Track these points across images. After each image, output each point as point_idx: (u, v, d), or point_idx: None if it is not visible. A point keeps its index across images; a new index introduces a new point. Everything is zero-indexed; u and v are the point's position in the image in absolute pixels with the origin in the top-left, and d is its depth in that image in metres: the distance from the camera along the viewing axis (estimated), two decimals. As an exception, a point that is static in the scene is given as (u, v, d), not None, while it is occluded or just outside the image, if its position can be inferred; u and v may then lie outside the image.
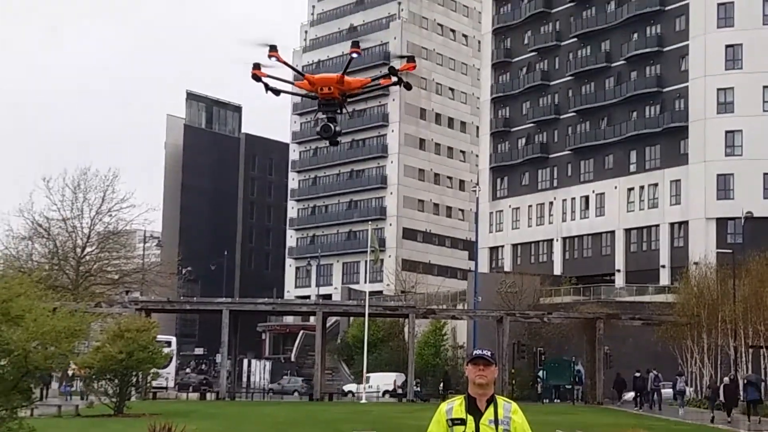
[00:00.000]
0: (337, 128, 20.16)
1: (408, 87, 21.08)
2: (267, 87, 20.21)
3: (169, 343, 65.16)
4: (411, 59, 20.57)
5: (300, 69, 20.07)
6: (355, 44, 19.68)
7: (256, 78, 19.99)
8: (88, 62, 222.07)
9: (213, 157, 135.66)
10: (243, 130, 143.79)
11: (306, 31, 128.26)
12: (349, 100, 19.70)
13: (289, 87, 20.34)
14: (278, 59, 19.56)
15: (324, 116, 19.97)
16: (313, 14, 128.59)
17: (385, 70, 20.59)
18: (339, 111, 20.18)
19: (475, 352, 7.19)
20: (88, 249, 65.55)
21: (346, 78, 19.80)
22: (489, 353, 7.16)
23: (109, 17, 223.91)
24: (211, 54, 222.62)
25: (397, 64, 20.58)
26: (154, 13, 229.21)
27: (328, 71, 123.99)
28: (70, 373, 53.56)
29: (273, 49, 19.48)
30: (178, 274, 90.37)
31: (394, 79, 20.36)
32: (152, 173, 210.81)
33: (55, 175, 64.92)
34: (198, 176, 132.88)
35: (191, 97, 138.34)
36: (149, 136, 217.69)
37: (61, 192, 64.24)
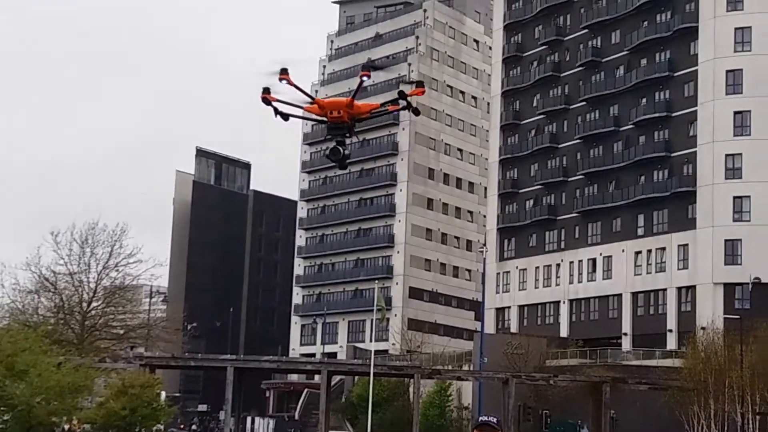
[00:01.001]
0: (346, 152, 20.20)
1: (416, 113, 21.11)
2: (276, 111, 20.25)
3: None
4: (420, 84, 20.60)
5: (310, 94, 19.89)
6: (366, 68, 19.70)
7: (266, 102, 20.05)
8: (99, 118, 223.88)
9: (221, 214, 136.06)
10: (252, 187, 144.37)
11: (317, 91, 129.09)
12: (360, 136, 19.90)
13: (299, 111, 20.38)
14: (289, 82, 19.63)
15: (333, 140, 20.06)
16: (323, 75, 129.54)
17: (394, 95, 20.59)
18: (348, 135, 20.23)
19: (480, 418, 7.18)
20: (94, 303, 65.44)
21: (356, 102, 19.89)
22: (495, 420, 7.15)
23: (118, 75, 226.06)
24: (222, 110, 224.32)
25: (406, 89, 20.55)
26: (165, 69, 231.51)
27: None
28: (66, 427, 53.22)
29: (284, 72, 19.57)
30: (184, 330, 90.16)
31: (403, 104, 20.39)
32: (160, 228, 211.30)
33: (63, 229, 64.74)
34: (206, 232, 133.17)
35: (201, 153, 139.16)
36: (158, 192, 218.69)
37: (68, 246, 64.33)
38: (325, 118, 19.75)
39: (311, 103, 19.75)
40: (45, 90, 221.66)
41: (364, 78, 19.32)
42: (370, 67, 19.87)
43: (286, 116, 20.25)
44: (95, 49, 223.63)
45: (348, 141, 19.94)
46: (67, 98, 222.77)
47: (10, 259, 64.47)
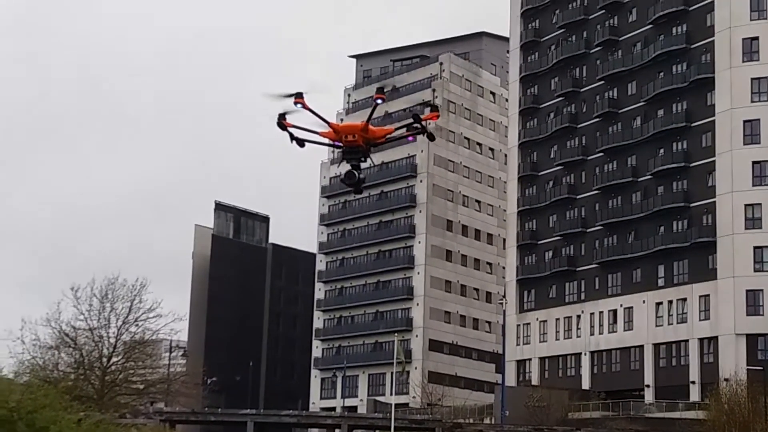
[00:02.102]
0: (361, 176, 20.14)
1: (431, 137, 21.07)
2: (292, 137, 20.21)
3: None
4: (435, 108, 20.62)
5: (325, 118, 19.84)
6: (380, 90, 19.68)
7: (282, 127, 20.02)
8: (118, 172, 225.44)
9: (240, 267, 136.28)
10: (270, 241, 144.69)
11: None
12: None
13: (314, 137, 20.30)
14: (304, 106, 19.63)
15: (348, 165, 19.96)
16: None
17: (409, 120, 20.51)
18: (363, 159, 20.16)
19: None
20: (114, 359, 65.26)
21: (371, 126, 19.84)
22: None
23: (137, 129, 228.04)
24: (241, 164, 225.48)
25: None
26: (183, 123, 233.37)
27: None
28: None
29: (299, 96, 19.56)
30: (203, 385, 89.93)
31: (419, 131, 20.33)
32: (180, 283, 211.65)
33: (83, 285, 64.83)
34: (225, 286, 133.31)
35: (220, 207, 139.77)
36: (178, 246, 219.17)
37: (88, 301, 64.28)
38: (340, 143, 19.75)
39: (326, 128, 19.77)
40: (65, 144, 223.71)
41: (378, 101, 19.31)
42: (384, 90, 19.75)
43: (301, 142, 20.24)
44: (117, 102, 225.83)
45: (363, 165, 19.91)
46: (86, 152, 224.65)
47: (31, 314, 64.25)
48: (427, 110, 21.17)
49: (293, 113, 19.82)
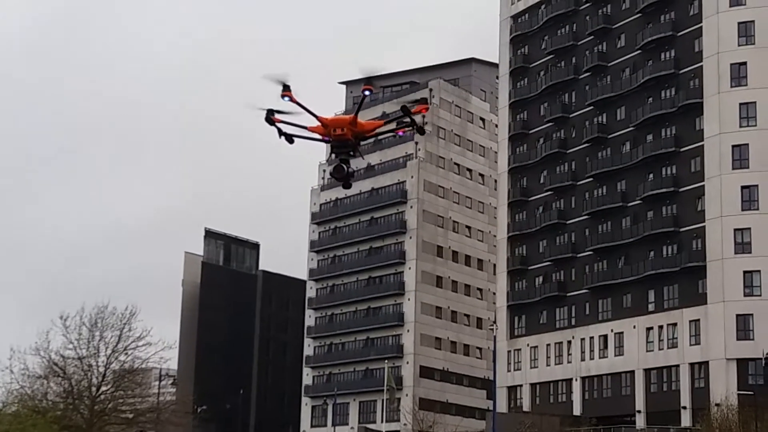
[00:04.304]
0: (350, 169, 19.89)
1: (421, 131, 20.79)
2: (280, 132, 19.94)
3: None
4: (424, 101, 20.35)
5: (313, 112, 19.53)
6: (368, 81, 19.38)
7: (270, 122, 19.76)
8: (107, 201, 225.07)
9: (230, 294, 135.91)
10: (261, 267, 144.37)
11: (324, 170, 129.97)
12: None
13: (303, 131, 20.03)
14: (291, 99, 19.35)
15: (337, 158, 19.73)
16: (331, 153, 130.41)
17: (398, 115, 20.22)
18: (352, 153, 19.94)
19: None
20: (103, 388, 64.89)
21: (359, 120, 19.64)
22: None
23: (123, 159, 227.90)
24: (230, 191, 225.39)
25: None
26: (174, 152, 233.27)
27: (346, 210, 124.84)
28: None
29: (286, 88, 19.30)
30: (194, 413, 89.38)
31: (409, 124, 20.08)
32: (169, 310, 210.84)
33: (72, 313, 64.48)
34: (215, 313, 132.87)
35: (209, 234, 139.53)
36: (168, 274, 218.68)
37: (77, 330, 63.96)
38: (329, 137, 19.54)
39: (315, 123, 19.55)
40: (52, 172, 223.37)
41: (366, 92, 19.12)
42: (372, 80, 19.45)
43: (290, 139, 20.00)
44: (103, 131, 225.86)
45: (352, 159, 19.70)
46: (74, 182, 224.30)
47: (20, 343, 63.95)
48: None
49: (283, 112, 19.56)
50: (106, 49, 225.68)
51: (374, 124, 20.11)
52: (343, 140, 19.54)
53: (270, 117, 19.63)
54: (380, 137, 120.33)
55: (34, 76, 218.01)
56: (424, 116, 20.60)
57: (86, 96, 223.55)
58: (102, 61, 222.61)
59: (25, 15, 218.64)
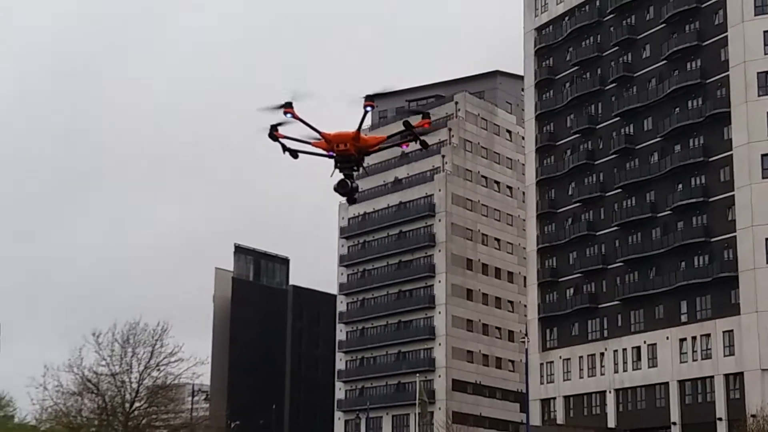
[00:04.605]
0: (354, 184, 20.01)
1: (424, 145, 20.83)
2: (284, 148, 20.11)
3: None
4: (426, 116, 20.45)
5: (316, 127, 19.70)
6: (369, 98, 19.50)
7: (274, 138, 19.95)
8: (139, 218, 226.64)
9: (261, 310, 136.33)
10: (291, 282, 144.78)
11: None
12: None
13: (307, 147, 20.20)
14: (294, 116, 19.53)
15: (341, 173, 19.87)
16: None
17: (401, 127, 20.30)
18: (356, 168, 20.07)
19: None
20: (136, 404, 65.36)
21: (362, 135, 19.77)
22: None
23: (155, 178, 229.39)
24: (259, 207, 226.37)
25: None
26: (203, 170, 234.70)
27: (374, 224, 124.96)
28: None
29: (288, 105, 19.49)
30: (227, 429, 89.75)
31: (412, 139, 20.19)
32: (201, 326, 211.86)
33: (104, 330, 65.02)
34: (246, 328, 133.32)
35: (239, 250, 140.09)
36: (199, 289, 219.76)
37: (110, 347, 64.44)
38: (332, 152, 19.71)
39: (318, 139, 19.76)
40: (85, 195, 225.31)
41: (368, 108, 19.28)
42: (374, 96, 19.56)
43: (295, 154, 20.20)
44: (133, 152, 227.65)
45: (356, 174, 19.86)
46: (106, 203, 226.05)
47: (54, 360, 64.50)
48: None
49: (286, 124, 19.78)
50: (137, 72, 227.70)
51: (377, 138, 20.27)
52: (347, 155, 19.74)
53: (273, 133, 19.87)
54: (408, 152, 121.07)
55: (66, 101, 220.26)
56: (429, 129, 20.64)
57: (117, 120, 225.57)
58: (133, 85, 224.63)
59: (55, 38, 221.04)
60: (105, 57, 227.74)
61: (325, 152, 19.93)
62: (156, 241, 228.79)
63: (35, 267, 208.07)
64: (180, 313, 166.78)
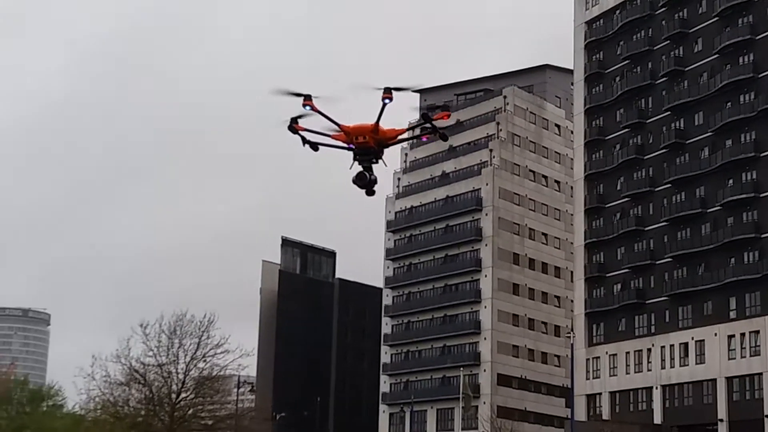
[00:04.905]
0: (373, 177, 19.99)
1: (444, 138, 20.83)
2: (304, 140, 20.20)
3: None
4: (446, 108, 20.44)
5: (335, 120, 19.70)
6: (387, 90, 19.48)
7: (293, 131, 20.03)
8: (188, 213, 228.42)
9: (307, 302, 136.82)
10: (337, 275, 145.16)
11: (399, 178, 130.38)
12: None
13: (326, 139, 20.27)
14: (312, 108, 19.60)
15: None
16: (406, 162, 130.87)
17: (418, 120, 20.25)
18: (375, 160, 20.05)
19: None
20: (183, 394, 65.89)
21: (381, 127, 19.74)
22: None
23: (208, 174, 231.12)
24: (307, 200, 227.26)
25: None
26: (252, 164, 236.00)
27: (421, 217, 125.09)
28: None
29: (307, 98, 19.55)
30: (273, 420, 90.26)
31: (431, 131, 20.13)
32: (248, 318, 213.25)
33: (151, 321, 65.59)
34: (292, 321, 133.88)
35: (286, 243, 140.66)
36: (246, 282, 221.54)
37: (157, 338, 65.00)
38: (352, 144, 19.72)
39: (338, 131, 19.77)
40: (135, 186, 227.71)
41: (386, 101, 19.24)
42: (392, 89, 19.49)
43: (315, 146, 20.28)
44: (184, 146, 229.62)
45: (374, 166, 19.83)
46: (152, 194, 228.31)
47: (102, 350, 65.20)
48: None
49: (305, 117, 19.85)
50: (191, 67, 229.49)
51: (396, 131, 20.24)
52: (366, 147, 19.76)
53: (293, 126, 19.95)
54: (455, 146, 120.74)
55: (125, 94, 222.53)
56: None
57: (171, 114, 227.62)
58: (187, 80, 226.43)
59: (98, 38, 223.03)
60: (150, 54, 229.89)
61: (344, 145, 19.96)
62: (204, 234, 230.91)
63: (85, 260, 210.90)
64: (227, 305, 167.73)
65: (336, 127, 19.78)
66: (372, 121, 19.83)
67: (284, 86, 19.61)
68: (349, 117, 19.68)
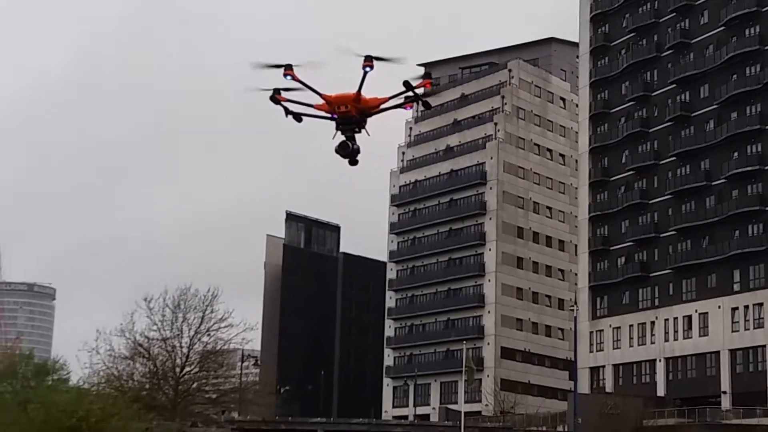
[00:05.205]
0: (356, 146, 19.92)
1: (427, 106, 20.74)
2: (287, 111, 20.18)
3: None
4: (428, 76, 20.28)
5: (317, 89, 19.60)
6: (368, 58, 19.37)
7: (276, 101, 20.00)
8: (194, 189, 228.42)
9: (312, 277, 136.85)
10: (341, 250, 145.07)
11: (403, 152, 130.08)
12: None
13: (309, 110, 20.23)
14: (294, 78, 19.53)
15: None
16: (410, 136, 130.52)
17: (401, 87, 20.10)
18: (358, 130, 20.01)
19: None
20: (187, 368, 66.03)
21: (363, 96, 19.68)
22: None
23: (212, 149, 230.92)
24: (311, 175, 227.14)
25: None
26: (256, 140, 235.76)
27: (425, 191, 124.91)
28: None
29: (288, 68, 19.50)
30: (276, 394, 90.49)
31: (414, 99, 20.03)
32: (253, 292, 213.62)
33: (156, 295, 65.63)
34: (297, 295, 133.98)
35: (291, 217, 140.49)
36: (250, 256, 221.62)
37: (161, 312, 65.11)
38: (334, 114, 19.67)
39: (320, 101, 19.70)
40: (140, 166, 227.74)
41: (367, 69, 19.14)
42: (374, 57, 19.34)
43: (298, 117, 20.24)
44: (186, 123, 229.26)
45: (358, 135, 19.75)
46: (156, 173, 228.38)
47: (106, 325, 65.20)
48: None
49: (290, 91, 19.75)
50: (192, 51, 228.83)
51: (378, 100, 20.09)
52: (348, 117, 19.67)
53: (275, 96, 19.86)
54: (460, 120, 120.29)
55: (128, 76, 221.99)
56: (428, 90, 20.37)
57: (174, 95, 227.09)
58: (188, 63, 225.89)
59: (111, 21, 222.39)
60: (159, 37, 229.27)
61: (327, 115, 19.86)
62: (208, 209, 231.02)
63: (91, 235, 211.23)
64: (232, 280, 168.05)
65: (318, 97, 19.68)
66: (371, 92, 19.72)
67: (265, 61, 19.51)
68: (344, 86, 19.55)
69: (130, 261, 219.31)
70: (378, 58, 19.09)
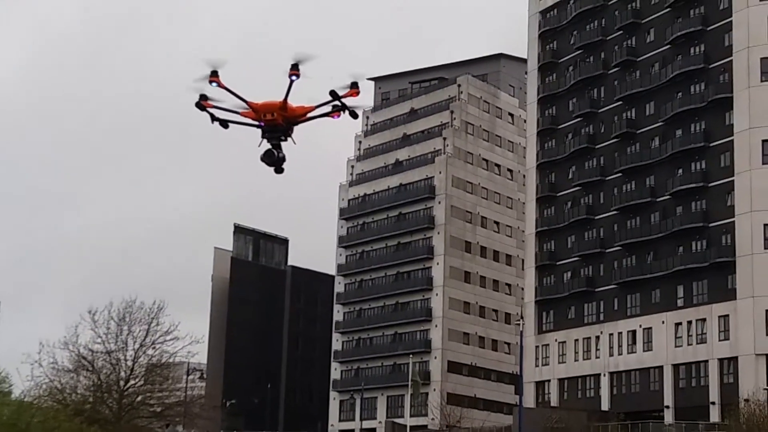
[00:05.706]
0: (281, 154, 19.84)
1: (354, 115, 20.66)
2: (213, 117, 20.07)
3: None
4: (355, 86, 20.20)
5: (242, 96, 19.56)
6: (295, 66, 19.34)
7: (201, 107, 19.88)
8: (138, 197, 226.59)
9: (259, 290, 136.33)
10: (289, 263, 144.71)
11: (353, 166, 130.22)
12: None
13: (236, 117, 20.14)
14: (219, 84, 19.46)
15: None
16: (359, 149, 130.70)
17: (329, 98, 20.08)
18: (284, 138, 19.94)
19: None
20: (131, 381, 65.34)
21: (289, 104, 19.65)
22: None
23: (158, 161, 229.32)
24: (259, 187, 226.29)
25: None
26: (203, 151, 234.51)
27: (374, 205, 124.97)
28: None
29: (214, 74, 19.43)
30: (222, 407, 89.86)
31: (341, 108, 20.00)
32: (199, 305, 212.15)
33: (100, 308, 64.87)
34: (244, 308, 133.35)
35: (239, 230, 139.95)
36: (197, 269, 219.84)
37: (105, 325, 64.36)
38: (261, 122, 19.61)
39: (247, 108, 19.65)
40: (87, 178, 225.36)
41: (293, 77, 19.14)
42: (299, 64, 19.29)
43: (225, 124, 20.17)
44: (131, 135, 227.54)
45: (284, 144, 19.74)
46: (102, 181, 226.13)
47: (50, 337, 64.26)
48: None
49: (216, 100, 19.67)
50: (142, 57, 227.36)
51: (305, 108, 20.04)
52: (274, 125, 19.62)
53: (201, 102, 19.77)
54: (409, 134, 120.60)
55: (82, 89, 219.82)
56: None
57: (112, 105, 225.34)
58: (136, 71, 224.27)
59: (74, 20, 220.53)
60: (121, 40, 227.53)
61: (253, 122, 19.80)
62: (155, 220, 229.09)
63: (34, 247, 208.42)
64: (178, 293, 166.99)
65: (244, 104, 19.61)
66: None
67: (200, 75, 19.36)
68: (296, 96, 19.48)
69: (74, 272, 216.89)
70: (296, 66, 18.97)
